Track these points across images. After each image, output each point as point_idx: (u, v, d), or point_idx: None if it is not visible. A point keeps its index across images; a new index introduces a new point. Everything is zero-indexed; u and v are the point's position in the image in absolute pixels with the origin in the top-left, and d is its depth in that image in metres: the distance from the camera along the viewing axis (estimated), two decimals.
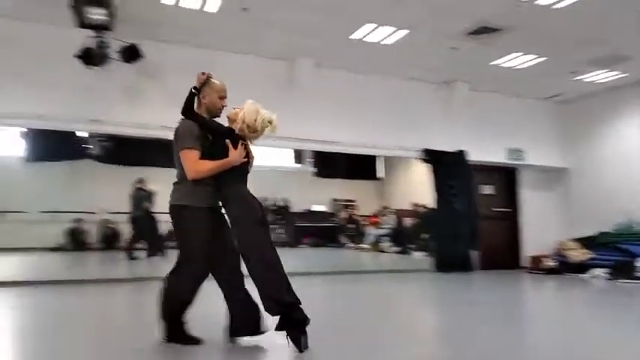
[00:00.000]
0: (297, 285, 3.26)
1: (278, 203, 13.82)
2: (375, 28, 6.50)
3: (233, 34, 6.83)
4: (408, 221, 12.89)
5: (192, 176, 3.19)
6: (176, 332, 3.31)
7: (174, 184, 3.33)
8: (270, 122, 3.36)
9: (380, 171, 15.03)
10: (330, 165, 13.87)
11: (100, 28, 5.60)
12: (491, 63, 7.62)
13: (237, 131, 3.30)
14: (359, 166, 14.03)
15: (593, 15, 5.98)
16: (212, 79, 3.42)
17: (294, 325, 3.09)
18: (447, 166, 8.51)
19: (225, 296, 3.36)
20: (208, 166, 3.19)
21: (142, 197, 9.08)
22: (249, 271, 3.17)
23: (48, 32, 6.35)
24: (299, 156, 14.50)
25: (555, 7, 5.73)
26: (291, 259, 10.22)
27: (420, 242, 11.60)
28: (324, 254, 12.36)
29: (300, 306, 3.12)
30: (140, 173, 9.56)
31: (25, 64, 6.31)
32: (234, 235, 3.24)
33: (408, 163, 13.38)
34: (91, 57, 5.91)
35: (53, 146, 10.27)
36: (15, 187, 10.74)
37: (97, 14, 5.32)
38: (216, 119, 3.43)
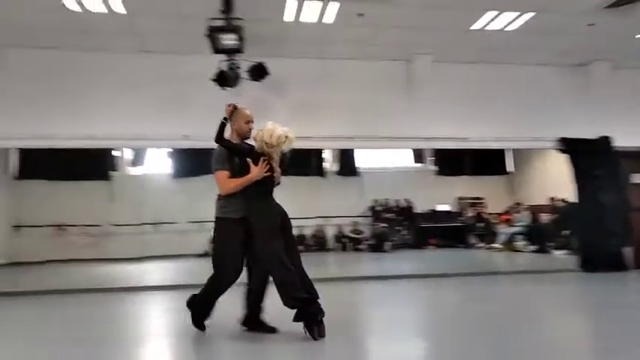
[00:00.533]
0: (425, 288, 3.22)
1: (401, 204, 13.68)
2: (497, 15, 6.18)
3: (350, 41, 6.99)
4: (544, 217, 11.92)
5: (222, 192, 3.83)
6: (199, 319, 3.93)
7: (216, 200, 3.91)
8: (286, 137, 3.81)
9: (509, 165, 14.14)
10: (453, 162, 13.38)
11: (232, 51, 6.10)
12: (638, 36, 6.76)
13: (256, 148, 3.79)
14: (485, 162, 13.34)
15: None
16: (239, 108, 4.04)
17: (309, 316, 3.54)
18: (589, 155, 7.72)
19: (248, 290, 3.93)
20: (234, 183, 3.76)
21: None
22: (268, 271, 3.72)
23: (188, 61, 7.09)
24: (419, 155, 14.23)
25: None
26: (416, 262, 10.14)
27: (560, 240, 10.66)
28: (452, 255, 11.90)
29: (317, 300, 3.58)
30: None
31: (171, 91, 7.10)
32: (256, 240, 3.72)
33: (540, 155, 12.41)
34: (224, 79, 6.45)
35: (195, 163, 11.40)
36: (165, 200, 12.12)
37: (229, 39, 5.80)
38: (247, 140, 4.02)
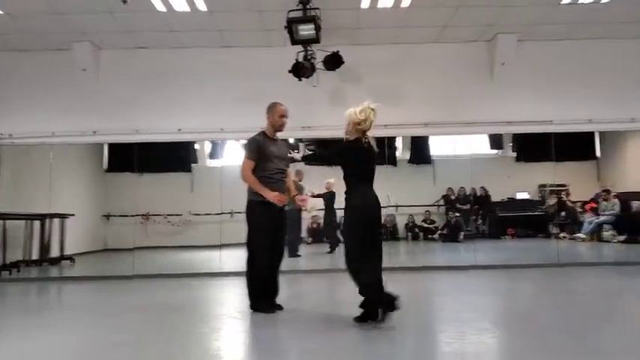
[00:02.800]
0: (506, 279, 3.06)
1: (477, 193, 13.20)
2: None
3: (427, 24, 6.78)
4: (636, 205, 11.03)
5: (242, 178, 4.29)
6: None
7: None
8: (371, 109, 3.88)
9: (597, 149, 13.19)
10: (534, 148, 12.64)
11: (309, 42, 6.13)
12: None
13: (349, 136, 3.87)
14: (571, 146, 12.49)
15: None
16: (275, 103, 4.47)
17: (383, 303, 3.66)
18: None
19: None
20: (252, 180, 4.20)
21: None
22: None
23: (265, 54, 7.23)
24: (498, 141, 13.62)
25: None
26: (493, 252, 9.75)
27: None
28: (533, 246, 11.34)
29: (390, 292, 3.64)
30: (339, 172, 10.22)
31: (248, 84, 7.26)
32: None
33: (635, 138, 11.46)
34: (300, 70, 6.50)
35: None
36: (242, 191, 12.50)
37: (306, 30, 5.82)
38: (279, 134, 4.49)
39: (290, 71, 6.52)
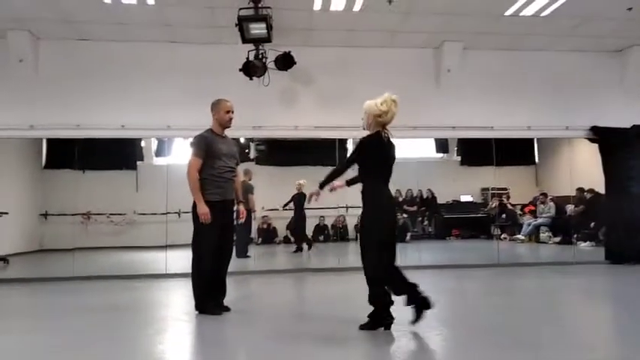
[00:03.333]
0: (452, 278, 3.20)
1: (423, 195, 13.57)
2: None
3: (378, 29, 6.89)
4: (570, 209, 11.71)
5: (187, 177, 4.27)
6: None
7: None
8: (392, 100, 3.71)
9: (536, 155, 13.89)
10: (477, 152, 13.14)
11: (260, 41, 6.09)
12: None
13: (366, 128, 3.79)
14: (512, 152, 13.07)
15: None
16: (220, 99, 4.43)
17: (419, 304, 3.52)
18: (621, 144, 7.53)
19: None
20: (195, 184, 4.17)
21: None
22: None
23: (215, 52, 7.10)
24: (443, 145, 14.06)
25: None
26: (438, 252, 10.08)
27: (586, 231, 10.47)
28: (475, 246, 11.81)
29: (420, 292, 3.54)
30: (290, 172, 10.28)
31: (198, 81, 7.10)
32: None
33: (569, 145, 12.14)
34: (251, 69, 6.44)
35: None
36: (188, 189, 12.23)
37: (257, 29, 5.78)
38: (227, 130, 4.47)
39: (241, 70, 6.44)
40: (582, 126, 7.65)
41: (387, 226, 3.58)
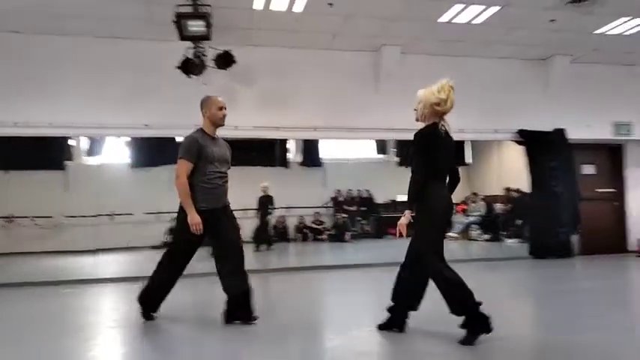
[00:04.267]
0: (388, 276, 3.33)
1: (362, 195, 13.82)
2: (465, 7, 6.28)
3: (319, 31, 6.94)
4: (499, 207, 12.37)
5: (175, 183, 3.81)
6: None
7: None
8: (449, 86, 3.40)
9: (468, 156, 14.53)
10: None
11: (199, 39, 5.94)
12: (596, 32, 7.07)
13: (420, 119, 3.43)
14: None
15: None
16: (211, 96, 3.99)
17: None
18: (545, 146, 8.07)
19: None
20: (184, 191, 3.74)
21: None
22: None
23: (152, 48, 6.85)
24: (383, 146, 14.39)
25: None
26: (377, 251, 10.31)
27: (513, 229, 11.12)
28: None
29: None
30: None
31: (133, 78, 6.83)
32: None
33: (498, 147, 12.84)
34: (190, 67, 6.27)
35: (155, 153, 11.07)
36: (122, 191, 11.68)
37: (196, 26, 5.63)
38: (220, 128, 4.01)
39: (178, 67, 6.25)
40: (510, 129, 8.11)
41: (440, 236, 3.29)
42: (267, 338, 3.51)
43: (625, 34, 7.13)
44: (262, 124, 7.39)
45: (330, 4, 6.11)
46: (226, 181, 3.97)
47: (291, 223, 12.86)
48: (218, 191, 3.87)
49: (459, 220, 13.21)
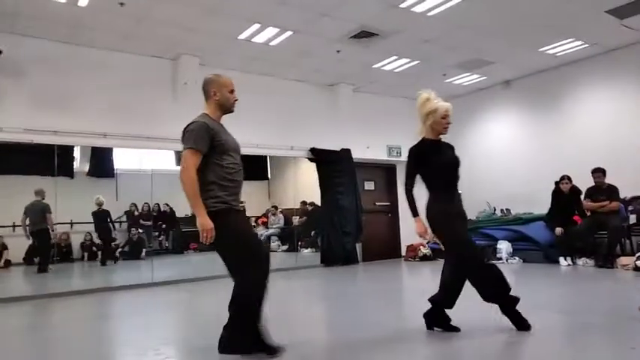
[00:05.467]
0: (179, 293, 3.21)
1: (160, 209, 13.11)
2: (262, 28, 6.49)
3: (110, 30, 6.37)
4: (296, 220, 13.09)
5: (180, 176, 3.07)
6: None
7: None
8: (427, 97, 3.53)
9: (268, 171, 15.05)
10: None
11: None
12: (373, 66, 8.05)
13: (424, 127, 3.53)
14: (248, 167, 13.82)
15: (461, 22, 6.54)
16: (218, 75, 3.29)
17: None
18: (333, 164, 8.84)
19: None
20: (192, 186, 2.98)
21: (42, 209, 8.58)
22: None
23: None
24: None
25: (429, 14, 6.20)
26: (174, 267, 9.89)
27: (307, 239, 11.86)
28: (213, 258, 12.00)
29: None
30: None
31: None
32: None
33: (296, 163, 13.58)
34: None
35: None
36: None
37: None
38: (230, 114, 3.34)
39: None
40: (304, 147, 8.67)
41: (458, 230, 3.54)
42: None
43: (395, 70, 8.31)
44: (36, 127, 6.41)
45: (122, 4, 5.67)
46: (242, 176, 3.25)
47: (77, 240, 11.42)
48: (239, 189, 3.18)
49: (260, 232, 13.57)
